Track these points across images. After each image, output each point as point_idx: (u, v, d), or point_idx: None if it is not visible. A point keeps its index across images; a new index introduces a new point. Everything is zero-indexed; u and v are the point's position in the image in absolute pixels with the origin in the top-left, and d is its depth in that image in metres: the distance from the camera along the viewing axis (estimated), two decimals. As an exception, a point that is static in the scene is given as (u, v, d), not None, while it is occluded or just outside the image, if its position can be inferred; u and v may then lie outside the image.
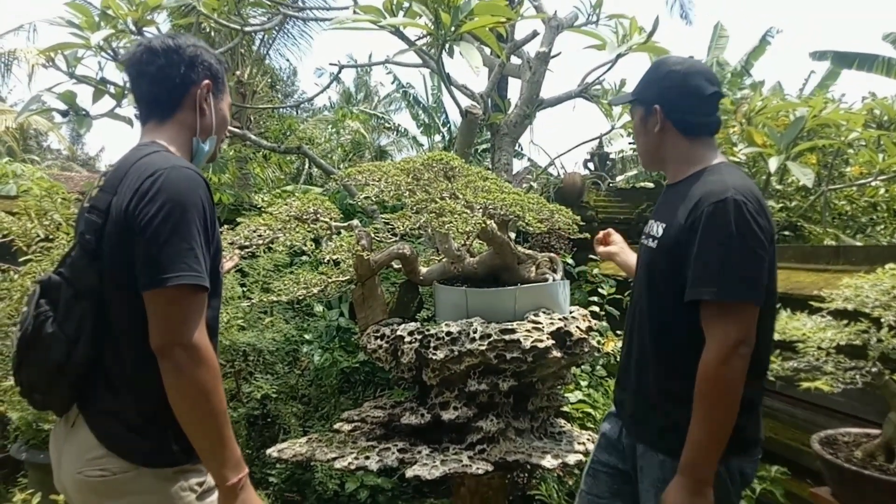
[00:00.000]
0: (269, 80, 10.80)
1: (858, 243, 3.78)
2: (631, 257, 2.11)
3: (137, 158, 1.36)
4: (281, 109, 9.25)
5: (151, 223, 1.25)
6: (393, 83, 10.09)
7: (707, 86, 1.61)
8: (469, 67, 2.91)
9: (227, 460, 1.29)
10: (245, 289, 3.59)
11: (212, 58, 1.51)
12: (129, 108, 3.63)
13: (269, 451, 2.42)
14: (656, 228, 1.63)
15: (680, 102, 1.62)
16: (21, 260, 3.10)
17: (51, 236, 3.11)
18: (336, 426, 2.56)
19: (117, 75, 3.66)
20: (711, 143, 1.66)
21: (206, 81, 1.48)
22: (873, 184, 3.97)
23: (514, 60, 4.69)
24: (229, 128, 1.77)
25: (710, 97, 1.62)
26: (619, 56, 3.76)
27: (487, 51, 4.40)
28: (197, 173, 1.35)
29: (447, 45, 3.14)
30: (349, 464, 2.22)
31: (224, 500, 1.31)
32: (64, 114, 3.59)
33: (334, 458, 2.27)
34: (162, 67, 1.43)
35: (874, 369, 1.80)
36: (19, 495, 2.65)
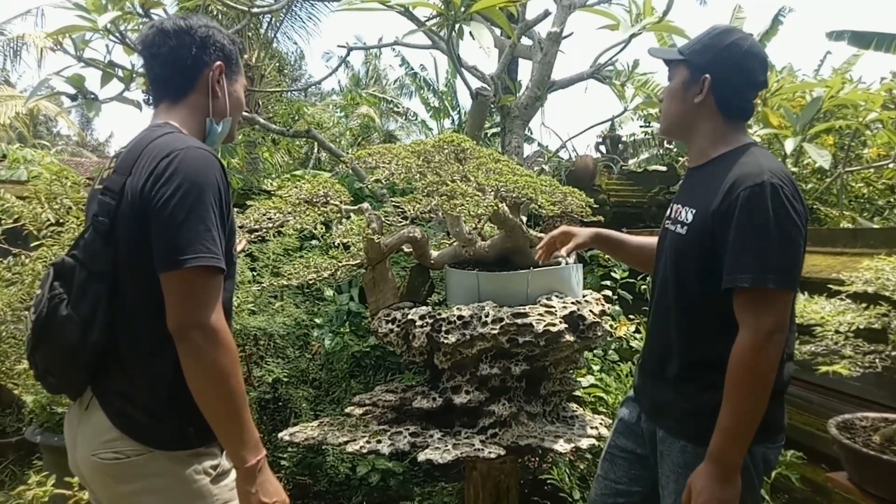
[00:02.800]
0: (277, 64, 10.74)
1: (876, 226, 3.73)
2: (623, 241, 2.01)
3: (151, 139, 1.35)
4: (289, 93, 9.21)
5: (168, 204, 1.24)
6: (402, 65, 10.00)
7: (760, 72, 1.56)
8: (479, 48, 2.87)
9: (245, 442, 1.29)
10: (255, 273, 3.59)
11: (225, 38, 1.49)
12: (137, 92, 3.61)
13: (280, 434, 2.43)
14: (685, 214, 1.57)
15: (731, 80, 1.54)
16: (32, 245, 3.11)
17: (61, 220, 3.11)
18: (347, 410, 2.56)
19: (125, 58, 3.65)
20: (743, 129, 1.60)
21: (219, 63, 1.46)
22: (891, 166, 3.90)
23: (525, 41, 4.62)
24: None
25: (759, 84, 1.57)
26: (632, 36, 3.68)
27: (498, 32, 4.34)
28: (212, 154, 1.34)
29: (457, 26, 3.09)
30: (361, 447, 2.22)
31: (242, 481, 1.31)
32: (73, 98, 3.58)
33: (346, 442, 2.27)
34: (173, 49, 1.42)
35: (894, 353, 1.77)
36: (34, 477, 2.68)
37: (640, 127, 6.41)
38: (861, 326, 1.82)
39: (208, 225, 1.26)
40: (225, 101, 1.50)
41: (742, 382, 1.39)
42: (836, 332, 1.84)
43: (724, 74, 1.54)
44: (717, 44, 1.56)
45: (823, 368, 1.84)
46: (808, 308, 1.96)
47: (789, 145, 3.46)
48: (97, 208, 1.34)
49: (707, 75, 1.55)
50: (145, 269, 1.27)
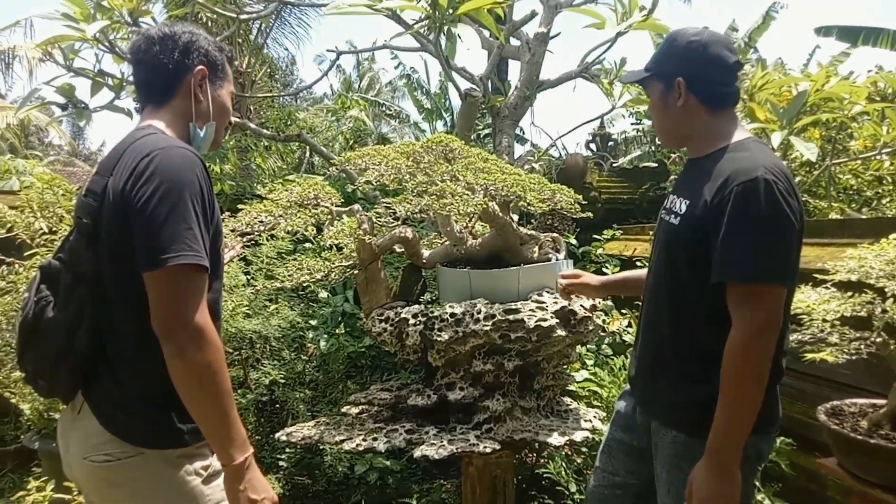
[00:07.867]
0: (268, 70, 10.75)
1: (863, 217, 3.77)
2: (627, 277, 2.15)
3: (133, 141, 1.35)
4: (280, 99, 9.22)
5: (148, 204, 1.24)
6: (397, 68, 10.01)
7: (729, 55, 1.58)
8: (467, 50, 2.90)
9: (232, 440, 1.29)
10: (249, 276, 3.60)
11: (210, 45, 1.50)
12: (127, 100, 3.63)
13: (278, 434, 2.44)
14: (679, 205, 1.58)
15: (703, 73, 1.57)
16: (26, 254, 3.12)
17: (54, 229, 3.12)
18: (344, 409, 2.58)
19: (115, 67, 3.66)
20: (734, 116, 1.62)
21: (200, 68, 1.47)
22: (878, 157, 3.94)
23: (513, 42, 4.65)
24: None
25: (733, 66, 1.59)
26: (618, 34, 3.72)
27: (486, 33, 4.37)
28: (194, 153, 1.34)
29: (445, 28, 3.12)
30: (357, 445, 2.24)
31: (230, 479, 1.31)
32: (63, 107, 3.60)
33: (343, 441, 2.29)
34: (157, 54, 1.43)
35: (879, 339, 1.80)
36: (34, 483, 2.69)
37: (632, 124, 6.47)
38: (847, 314, 1.84)
39: (190, 223, 1.26)
40: (208, 106, 1.50)
41: (735, 377, 1.39)
42: (823, 320, 1.87)
43: (695, 71, 1.57)
44: (676, 47, 1.61)
45: (810, 356, 1.86)
46: (795, 298, 1.99)
47: (776, 139, 3.49)
48: (80, 210, 1.35)
49: (679, 77, 1.58)
50: (129, 270, 1.27)
